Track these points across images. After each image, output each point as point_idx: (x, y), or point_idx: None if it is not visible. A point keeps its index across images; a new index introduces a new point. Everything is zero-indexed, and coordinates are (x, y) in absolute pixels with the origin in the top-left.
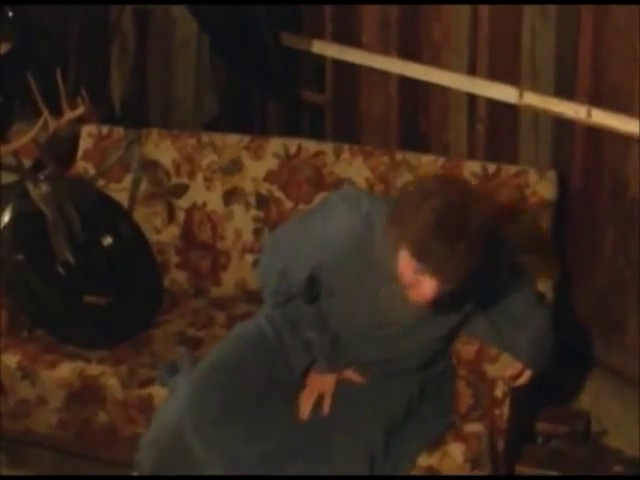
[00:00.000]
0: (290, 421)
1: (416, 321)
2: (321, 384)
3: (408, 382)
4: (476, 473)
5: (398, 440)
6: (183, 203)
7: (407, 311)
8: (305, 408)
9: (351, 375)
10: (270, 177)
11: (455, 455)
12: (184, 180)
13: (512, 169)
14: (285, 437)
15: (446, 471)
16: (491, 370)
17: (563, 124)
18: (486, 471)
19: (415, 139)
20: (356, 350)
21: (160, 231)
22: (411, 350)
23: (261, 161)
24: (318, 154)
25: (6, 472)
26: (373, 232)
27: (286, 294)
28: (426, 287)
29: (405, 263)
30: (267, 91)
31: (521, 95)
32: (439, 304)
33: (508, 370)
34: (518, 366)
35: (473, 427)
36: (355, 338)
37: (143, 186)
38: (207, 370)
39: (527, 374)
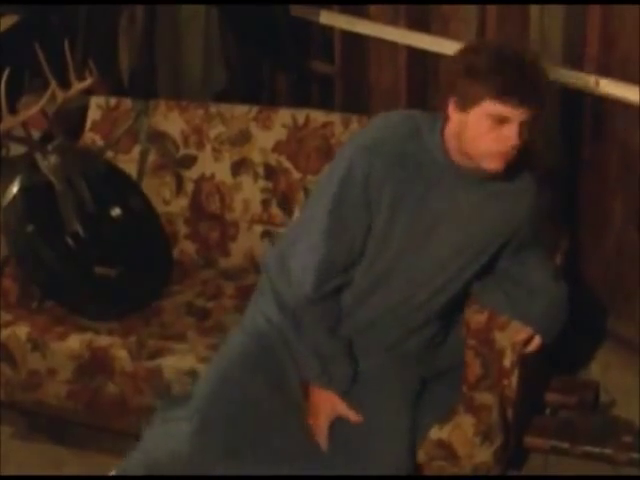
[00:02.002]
0: (302, 445)
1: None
2: (327, 406)
3: (420, 364)
4: (486, 446)
5: (416, 417)
6: (191, 174)
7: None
8: (323, 438)
9: (346, 411)
10: (278, 148)
11: (465, 428)
12: (192, 151)
13: None
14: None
15: (456, 444)
16: (500, 338)
17: (571, 94)
18: (496, 443)
19: (424, 109)
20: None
21: (169, 202)
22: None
23: (269, 132)
24: (326, 124)
25: (17, 444)
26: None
27: (334, 277)
28: (507, 132)
29: (483, 117)
30: (277, 62)
31: None
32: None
33: (519, 334)
34: (529, 331)
35: (484, 398)
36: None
37: (151, 157)
38: (208, 399)
39: (537, 341)
